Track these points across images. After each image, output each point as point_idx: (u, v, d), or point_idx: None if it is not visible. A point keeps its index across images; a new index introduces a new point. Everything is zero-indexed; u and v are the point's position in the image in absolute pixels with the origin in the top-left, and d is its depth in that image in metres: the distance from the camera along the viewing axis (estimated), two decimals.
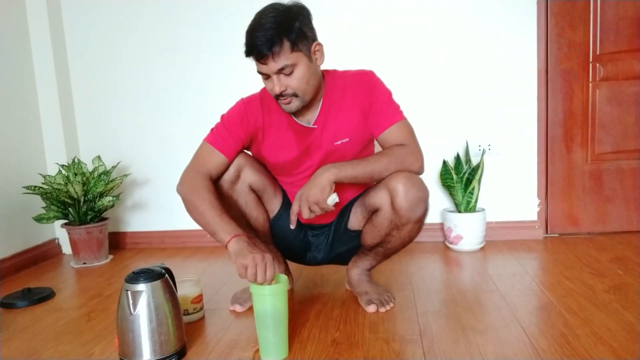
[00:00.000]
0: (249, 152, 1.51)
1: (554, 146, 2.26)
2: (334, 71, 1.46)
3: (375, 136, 1.43)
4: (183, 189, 1.38)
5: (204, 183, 1.35)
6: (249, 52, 1.27)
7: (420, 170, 1.40)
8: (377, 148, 1.48)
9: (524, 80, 2.20)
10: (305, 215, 1.31)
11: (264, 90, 1.44)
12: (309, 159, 1.44)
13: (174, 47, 2.35)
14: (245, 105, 1.44)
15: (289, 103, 1.32)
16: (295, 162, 1.45)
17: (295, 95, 1.31)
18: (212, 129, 1.45)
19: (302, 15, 1.28)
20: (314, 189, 1.29)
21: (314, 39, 1.32)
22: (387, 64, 2.23)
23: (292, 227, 1.37)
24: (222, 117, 1.45)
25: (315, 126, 1.42)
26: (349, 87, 1.41)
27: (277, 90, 1.29)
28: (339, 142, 1.41)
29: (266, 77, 1.30)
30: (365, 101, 1.40)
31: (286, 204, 1.53)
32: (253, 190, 1.46)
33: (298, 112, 1.40)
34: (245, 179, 1.44)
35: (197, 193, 1.33)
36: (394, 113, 1.41)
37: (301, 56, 1.27)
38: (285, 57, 1.24)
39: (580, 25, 2.18)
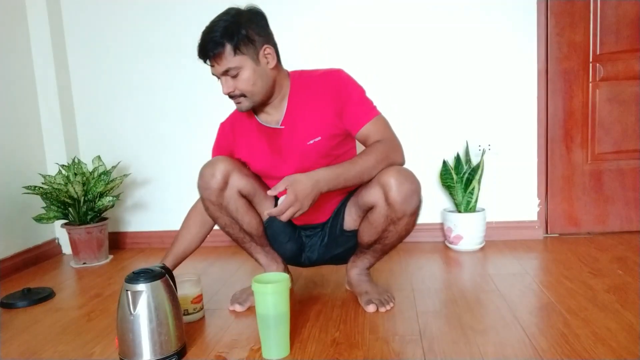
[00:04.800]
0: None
1: (554, 146, 2.26)
2: (302, 71, 1.48)
3: (352, 134, 1.43)
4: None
5: (194, 210, 1.58)
6: (198, 54, 1.35)
7: (403, 161, 1.43)
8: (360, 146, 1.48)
9: (524, 80, 2.20)
10: (288, 218, 1.28)
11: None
12: (284, 162, 1.45)
13: (174, 47, 2.35)
14: (219, 129, 1.59)
15: (239, 103, 1.40)
16: (272, 166, 1.47)
17: (243, 95, 1.37)
18: None
19: (251, 21, 1.35)
20: (307, 201, 1.27)
21: (266, 42, 1.36)
22: (387, 65, 2.23)
23: (268, 212, 1.31)
24: (212, 148, 1.60)
25: (283, 127, 1.44)
26: (316, 86, 1.43)
27: (225, 90, 1.37)
28: (311, 142, 1.41)
29: (217, 78, 1.38)
30: (336, 99, 1.41)
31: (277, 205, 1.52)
32: (243, 195, 1.46)
33: (263, 115, 1.47)
34: (233, 184, 1.43)
35: (188, 215, 1.60)
36: (369, 109, 1.42)
37: (246, 59, 1.33)
38: (227, 60, 1.31)
39: (580, 25, 2.18)
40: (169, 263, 1.49)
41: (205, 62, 1.35)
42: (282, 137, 1.44)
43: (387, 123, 1.44)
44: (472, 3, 2.17)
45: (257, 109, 1.46)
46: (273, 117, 1.46)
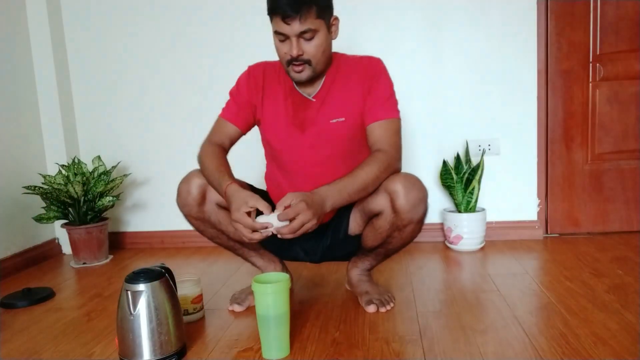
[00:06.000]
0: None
1: (554, 146, 2.26)
2: (342, 54, 1.48)
3: (365, 123, 1.42)
4: (198, 155, 1.46)
5: (212, 148, 1.43)
6: (274, 10, 1.27)
7: (399, 170, 1.40)
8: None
9: (524, 80, 2.20)
10: (299, 235, 1.21)
11: (267, 62, 1.49)
12: (301, 135, 1.42)
13: (174, 47, 2.35)
14: (249, 69, 1.49)
15: (301, 71, 1.33)
16: (288, 136, 1.43)
17: (309, 63, 1.32)
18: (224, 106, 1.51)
19: None
20: (315, 221, 1.20)
21: (333, 13, 1.35)
22: (387, 64, 2.23)
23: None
24: (230, 90, 1.50)
25: (314, 100, 1.42)
26: (353, 69, 1.43)
27: (295, 52, 1.29)
28: (334, 121, 1.40)
29: (283, 39, 1.30)
30: (364, 86, 1.40)
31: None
32: (222, 207, 1.43)
33: (301, 84, 1.41)
34: (210, 198, 1.43)
35: (205, 157, 1.41)
36: (390, 108, 1.41)
37: (323, 25, 1.30)
38: (310, 21, 1.26)
39: (580, 25, 2.18)
40: (234, 182, 1.31)
41: (283, 20, 1.25)
42: (310, 110, 1.42)
43: (398, 129, 1.41)
44: (472, 3, 2.17)
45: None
46: (307, 89, 1.43)
